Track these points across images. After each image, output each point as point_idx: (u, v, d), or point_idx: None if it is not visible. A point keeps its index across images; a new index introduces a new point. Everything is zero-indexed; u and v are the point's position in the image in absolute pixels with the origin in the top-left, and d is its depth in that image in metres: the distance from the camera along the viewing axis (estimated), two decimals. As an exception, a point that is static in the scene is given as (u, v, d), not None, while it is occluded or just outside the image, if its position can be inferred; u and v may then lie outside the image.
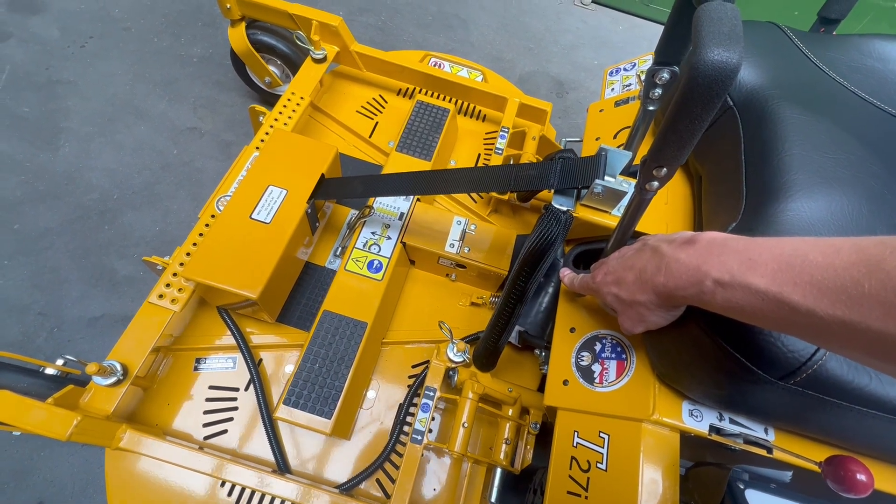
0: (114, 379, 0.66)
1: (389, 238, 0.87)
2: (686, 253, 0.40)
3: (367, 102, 1.14)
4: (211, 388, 0.78)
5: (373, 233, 0.87)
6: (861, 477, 0.39)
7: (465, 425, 0.73)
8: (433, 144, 0.99)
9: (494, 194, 1.00)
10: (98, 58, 1.63)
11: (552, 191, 0.70)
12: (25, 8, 1.71)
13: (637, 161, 0.70)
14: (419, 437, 0.71)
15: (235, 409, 0.78)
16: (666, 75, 0.55)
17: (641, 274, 0.45)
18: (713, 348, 0.44)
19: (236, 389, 0.79)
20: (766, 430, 0.53)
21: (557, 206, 0.67)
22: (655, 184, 0.47)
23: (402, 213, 0.90)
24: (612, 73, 0.98)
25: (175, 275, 0.74)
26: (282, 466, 0.74)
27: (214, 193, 0.85)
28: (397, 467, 0.74)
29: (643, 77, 0.61)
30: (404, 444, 0.76)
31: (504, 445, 0.75)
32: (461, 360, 0.77)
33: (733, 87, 0.61)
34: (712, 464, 0.51)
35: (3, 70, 1.55)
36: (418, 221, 0.89)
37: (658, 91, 0.57)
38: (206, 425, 0.76)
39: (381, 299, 0.81)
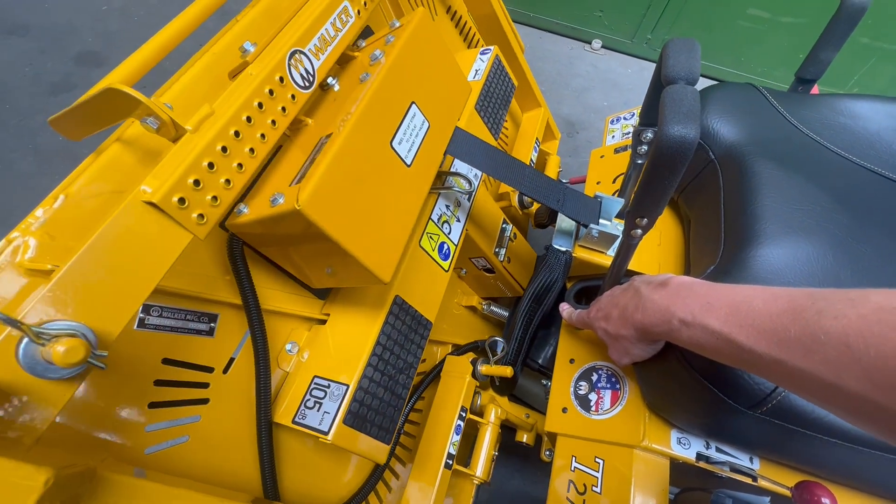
0: (75, 369, 0.33)
1: (458, 220, 0.71)
2: (659, 294, 0.46)
3: None
4: (167, 362, 0.50)
5: (447, 206, 0.70)
6: (825, 501, 0.43)
7: (496, 454, 0.69)
8: (501, 120, 0.85)
9: (518, 211, 1.01)
10: (149, 105, 1.82)
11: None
12: (90, 61, 1.93)
13: (630, 207, 0.77)
14: (450, 462, 0.67)
15: (205, 401, 0.52)
16: (650, 134, 0.63)
17: (624, 311, 0.51)
18: (690, 380, 0.50)
19: (209, 370, 0.53)
20: (751, 459, 0.56)
21: (557, 246, 0.74)
22: (639, 231, 0.53)
23: (471, 194, 0.74)
24: (612, 121, 1.06)
25: (212, 166, 0.41)
26: (270, 492, 0.56)
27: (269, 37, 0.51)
28: (386, 484, 0.72)
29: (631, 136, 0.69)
30: (399, 460, 0.73)
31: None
32: (485, 379, 0.77)
33: (715, 143, 0.68)
34: (698, 488, 0.55)
35: (68, 116, 1.74)
36: (477, 208, 0.77)
37: (644, 147, 0.64)
38: (152, 429, 0.48)
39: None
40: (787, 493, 0.47)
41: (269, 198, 0.44)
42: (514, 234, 0.88)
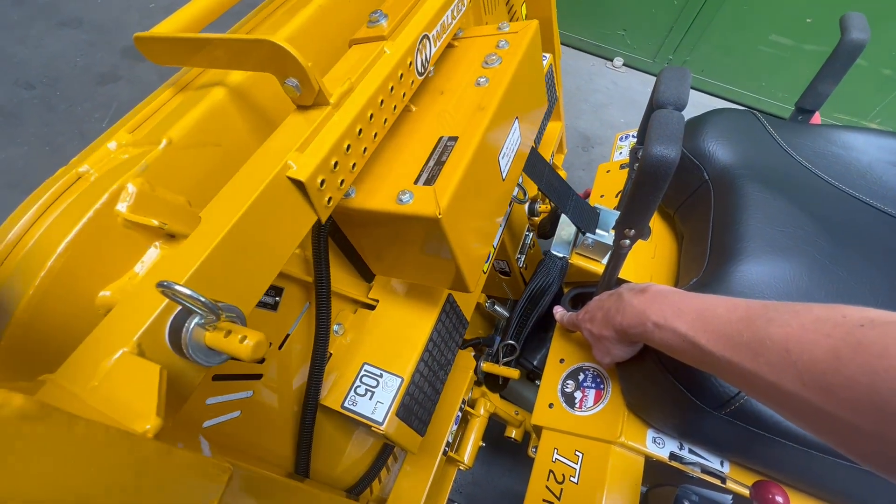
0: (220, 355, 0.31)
1: (500, 225, 0.70)
2: (638, 299, 0.51)
3: None
4: None
5: None
6: (778, 499, 0.47)
7: (483, 445, 0.74)
8: (543, 130, 0.87)
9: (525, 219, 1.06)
10: (186, 98, 1.93)
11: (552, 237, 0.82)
12: (134, 55, 2.06)
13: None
14: (447, 449, 0.74)
15: (259, 377, 0.51)
16: (646, 153, 0.67)
17: (607, 314, 0.56)
18: (664, 381, 0.54)
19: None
20: (721, 463, 0.60)
21: (555, 252, 0.79)
22: (627, 241, 0.58)
23: (513, 202, 0.73)
24: (622, 138, 1.10)
25: (348, 148, 0.39)
26: (302, 470, 0.56)
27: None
28: (387, 467, 0.76)
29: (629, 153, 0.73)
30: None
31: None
32: (482, 375, 0.83)
33: (710, 164, 0.72)
34: (667, 485, 0.59)
35: (111, 106, 1.86)
36: (512, 214, 0.77)
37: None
38: (212, 402, 0.46)
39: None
40: (746, 492, 0.50)
41: (395, 193, 0.43)
42: (533, 242, 0.93)
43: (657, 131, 0.48)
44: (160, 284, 0.27)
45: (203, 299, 0.27)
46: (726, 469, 0.59)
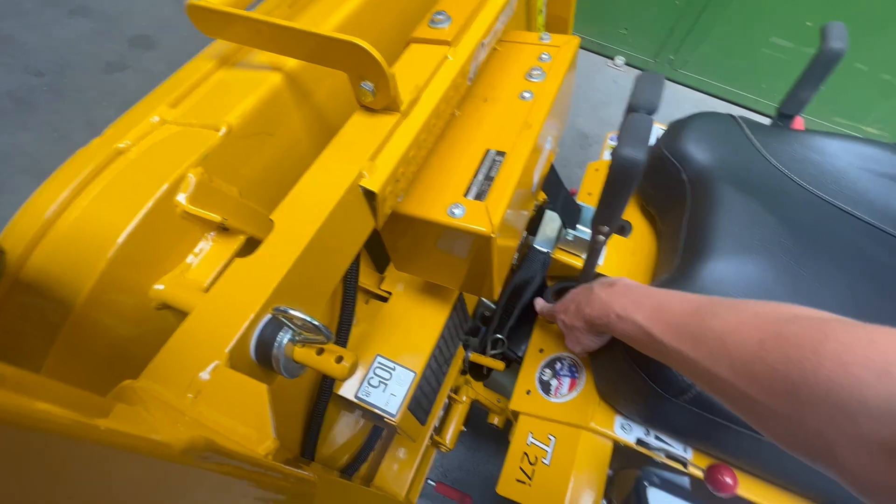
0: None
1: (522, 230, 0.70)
2: (605, 292, 0.54)
3: None
4: None
5: None
6: (727, 480, 0.50)
7: (465, 429, 0.79)
8: (553, 132, 0.85)
9: None
10: (192, 88, 1.96)
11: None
12: (142, 45, 2.09)
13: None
14: (433, 434, 0.78)
15: None
16: (625, 154, 0.70)
17: (578, 305, 0.59)
18: (630, 370, 0.57)
19: None
20: (684, 449, 0.63)
21: (538, 247, 0.82)
22: (601, 237, 0.61)
23: None
24: (612, 137, 1.13)
25: (413, 157, 0.40)
26: (309, 454, 0.58)
27: None
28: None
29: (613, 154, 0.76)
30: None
31: None
32: (467, 365, 0.87)
33: (689, 165, 0.75)
34: (631, 466, 0.62)
35: (118, 94, 1.90)
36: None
37: (620, 165, 0.71)
38: None
39: None
40: (700, 474, 0.54)
41: (445, 204, 0.43)
42: (528, 241, 0.96)
43: (627, 134, 0.51)
44: (277, 309, 0.27)
45: (316, 323, 0.27)
46: (689, 454, 0.63)
